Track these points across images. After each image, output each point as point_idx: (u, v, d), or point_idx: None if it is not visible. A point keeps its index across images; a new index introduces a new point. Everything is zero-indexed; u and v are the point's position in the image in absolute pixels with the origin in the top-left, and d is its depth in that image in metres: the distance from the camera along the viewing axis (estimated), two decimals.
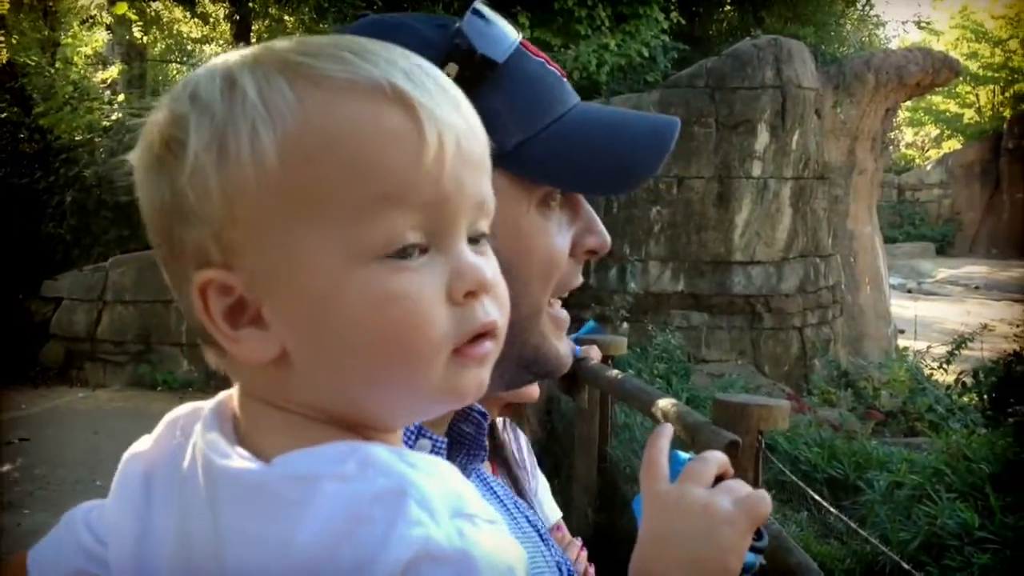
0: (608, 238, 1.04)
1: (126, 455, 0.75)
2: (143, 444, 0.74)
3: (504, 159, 0.90)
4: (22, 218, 13.78)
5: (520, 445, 1.76)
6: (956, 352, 10.89)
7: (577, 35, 11.63)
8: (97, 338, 13.00)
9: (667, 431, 0.96)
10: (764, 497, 0.88)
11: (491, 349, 0.71)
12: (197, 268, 0.65)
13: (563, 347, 1.09)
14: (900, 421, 9.60)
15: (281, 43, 0.69)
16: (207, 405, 0.73)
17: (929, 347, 11.55)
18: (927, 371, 10.73)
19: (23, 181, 14.29)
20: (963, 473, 5.82)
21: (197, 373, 12.63)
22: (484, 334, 0.70)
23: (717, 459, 0.92)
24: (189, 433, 0.71)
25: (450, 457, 0.95)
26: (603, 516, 6.14)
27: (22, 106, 14.77)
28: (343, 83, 0.65)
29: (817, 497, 4.00)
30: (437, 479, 0.63)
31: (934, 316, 18.91)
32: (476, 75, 0.92)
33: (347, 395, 0.67)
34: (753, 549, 0.88)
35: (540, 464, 2.13)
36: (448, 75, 0.72)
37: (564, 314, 1.07)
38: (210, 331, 0.67)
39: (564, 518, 2.26)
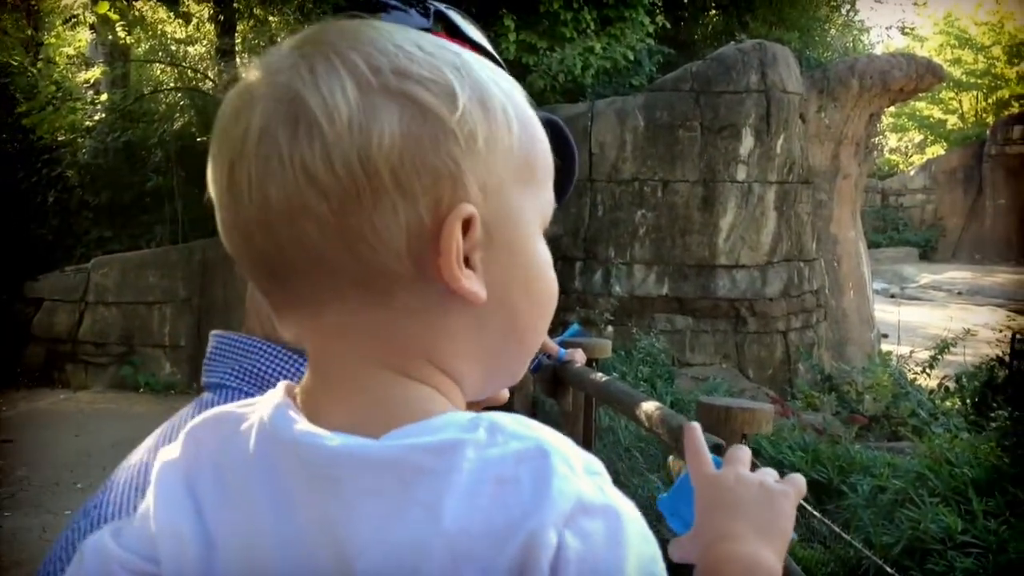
0: None
1: (158, 466, 0.73)
2: (172, 453, 0.73)
3: None
4: (4, 219, 13.69)
5: None
6: (939, 357, 10.93)
7: (562, 38, 11.64)
8: (79, 340, 12.93)
9: (698, 425, 1.06)
10: (801, 477, 1.00)
11: None
12: (437, 201, 0.66)
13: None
14: (883, 425, 9.62)
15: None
16: (248, 407, 0.72)
17: (912, 352, 11.59)
18: (910, 376, 10.77)
19: (5, 181, 14.19)
20: (946, 477, 5.84)
21: (180, 375, 12.57)
22: None
23: (748, 451, 1.03)
24: (227, 435, 0.70)
25: None
26: None
27: (4, 106, 14.66)
28: (518, 86, 0.75)
29: (800, 501, 4.00)
30: (563, 440, 0.65)
31: (917, 321, 18.98)
32: None
33: (495, 351, 0.74)
34: None
35: None
36: None
37: None
38: (442, 262, 0.66)
39: None
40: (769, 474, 0.99)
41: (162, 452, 0.74)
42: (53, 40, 16.62)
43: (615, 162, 10.93)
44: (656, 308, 10.95)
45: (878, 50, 24.47)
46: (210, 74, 15.96)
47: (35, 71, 14.86)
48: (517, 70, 11.36)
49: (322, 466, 0.64)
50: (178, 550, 0.68)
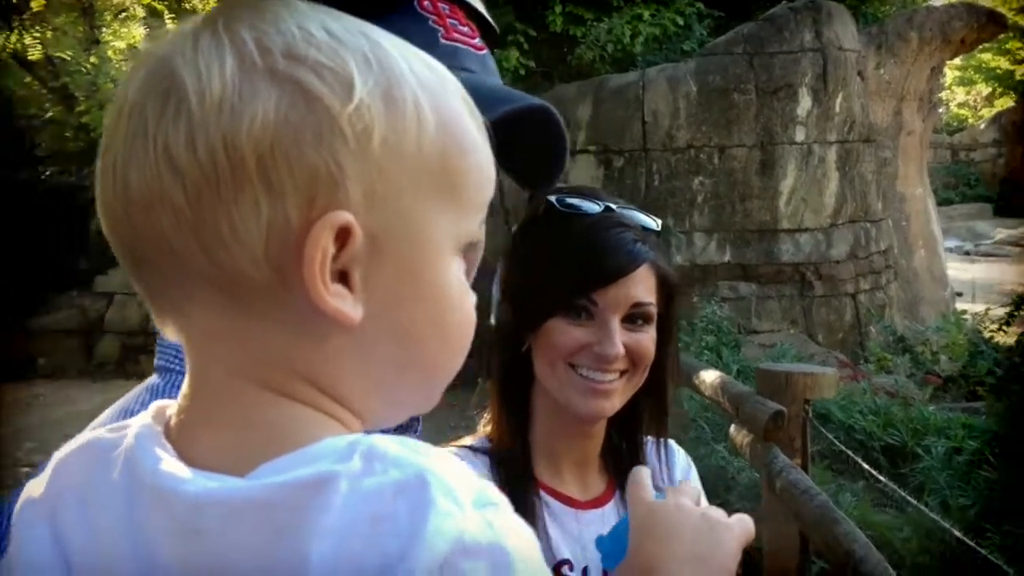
0: None
1: (19, 506, 0.66)
2: (36, 488, 0.66)
3: None
4: (71, 216, 13.97)
5: (674, 473, 1.56)
6: (1016, 313, 10.63)
7: (610, 7, 11.47)
8: (151, 331, 13.02)
9: (646, 468, 1.04)
10: (749, 519, 0.97)
11: None
12: (308, 203, 0.58)
13: None
14: (960, 385, 9.40)
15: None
16: (120, 432, 0.64)
17: (988, 309, 11.30)
18: (987, 334, 10.50)
19: (71, 179, 14.48)
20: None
21: None
22: None
23: (698, 487, 1.02)
24: (94, 466, 0.63)
25: None
26: None
27: (66, 104, 14.93)
28: (458, 88, 0.68)
29: (866, 466, 3.90)
30: (452, 466, 0.57)
31: (993, 278, 18.50)
32: None
33: (389, 381, 0.65)
34: None
35: None
36: None
37: None
38: (304, 273, 0.58)
39: None
40: (715, 510, 0.95)
41: (29, 486, 0.67)
42: (110, 37, 16.86)
43: (669, 130, 10.76)
44: (719, 275, 10.79)
45: (937, 1, 23.80)
46: None
47: (90, 67, 15.09)
48: (565, 43, 11.26)
49: (183, 516, 0.56)
50: None
